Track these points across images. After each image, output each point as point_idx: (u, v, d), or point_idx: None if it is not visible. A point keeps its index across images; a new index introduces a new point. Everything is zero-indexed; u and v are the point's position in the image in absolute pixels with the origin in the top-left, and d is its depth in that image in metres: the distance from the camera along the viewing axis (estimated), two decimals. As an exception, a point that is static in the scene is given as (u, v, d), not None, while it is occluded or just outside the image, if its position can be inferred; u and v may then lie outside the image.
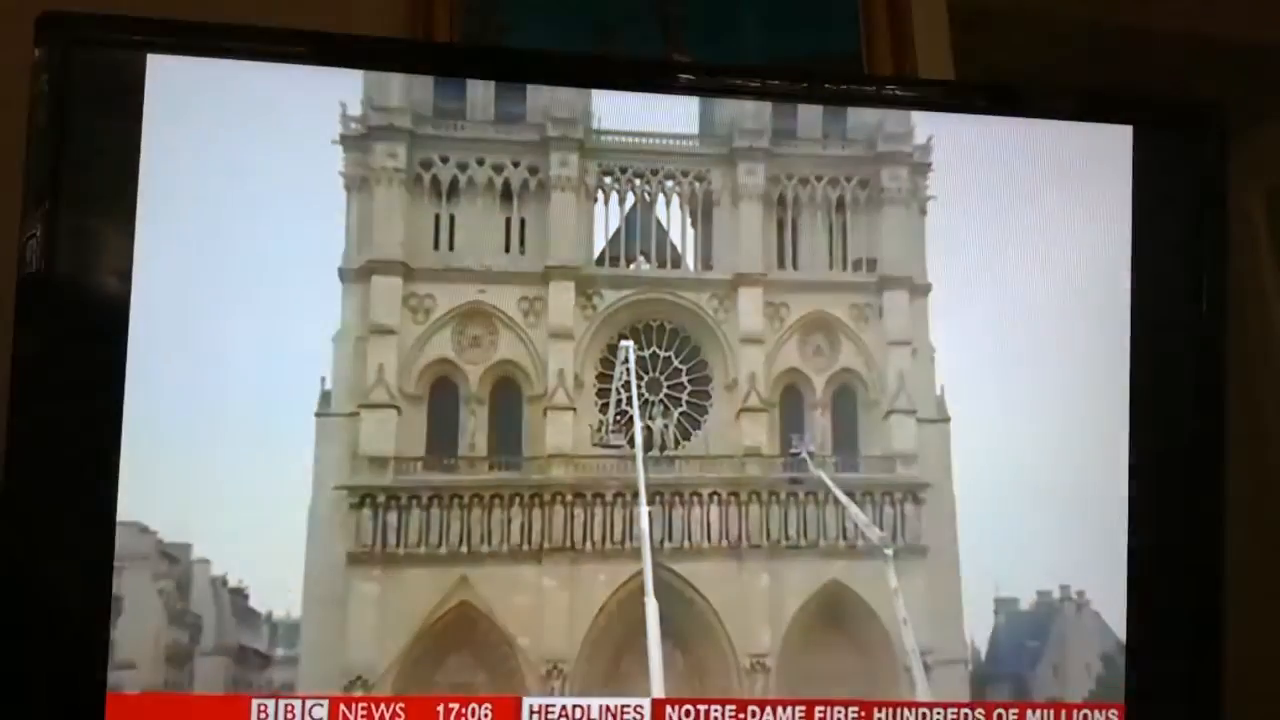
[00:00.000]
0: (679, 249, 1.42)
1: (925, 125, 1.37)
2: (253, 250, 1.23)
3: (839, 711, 1.26)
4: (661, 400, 1.43)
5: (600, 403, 1.39)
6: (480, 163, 1.39)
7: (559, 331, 1.38)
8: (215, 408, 1.21)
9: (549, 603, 1.29)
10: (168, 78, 1.21)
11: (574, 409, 1.38)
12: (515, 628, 1.28)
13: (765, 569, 1.36)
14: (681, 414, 1.43)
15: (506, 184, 1.40)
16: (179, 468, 1.19)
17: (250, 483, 1.20)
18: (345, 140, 1.30)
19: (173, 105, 1.21)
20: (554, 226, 1.39)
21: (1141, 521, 1.32)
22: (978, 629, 1.34)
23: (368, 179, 1.33)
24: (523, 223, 1.40)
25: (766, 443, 1.39)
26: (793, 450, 1.39)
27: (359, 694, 1.22)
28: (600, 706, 1.23)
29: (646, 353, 1.43)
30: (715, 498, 1.36)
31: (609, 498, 1.34)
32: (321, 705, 1.20)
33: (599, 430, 1.37)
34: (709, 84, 1.38)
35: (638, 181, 1.40)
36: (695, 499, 1.36)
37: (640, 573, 1.30)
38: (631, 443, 1.36)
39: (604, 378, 1.40)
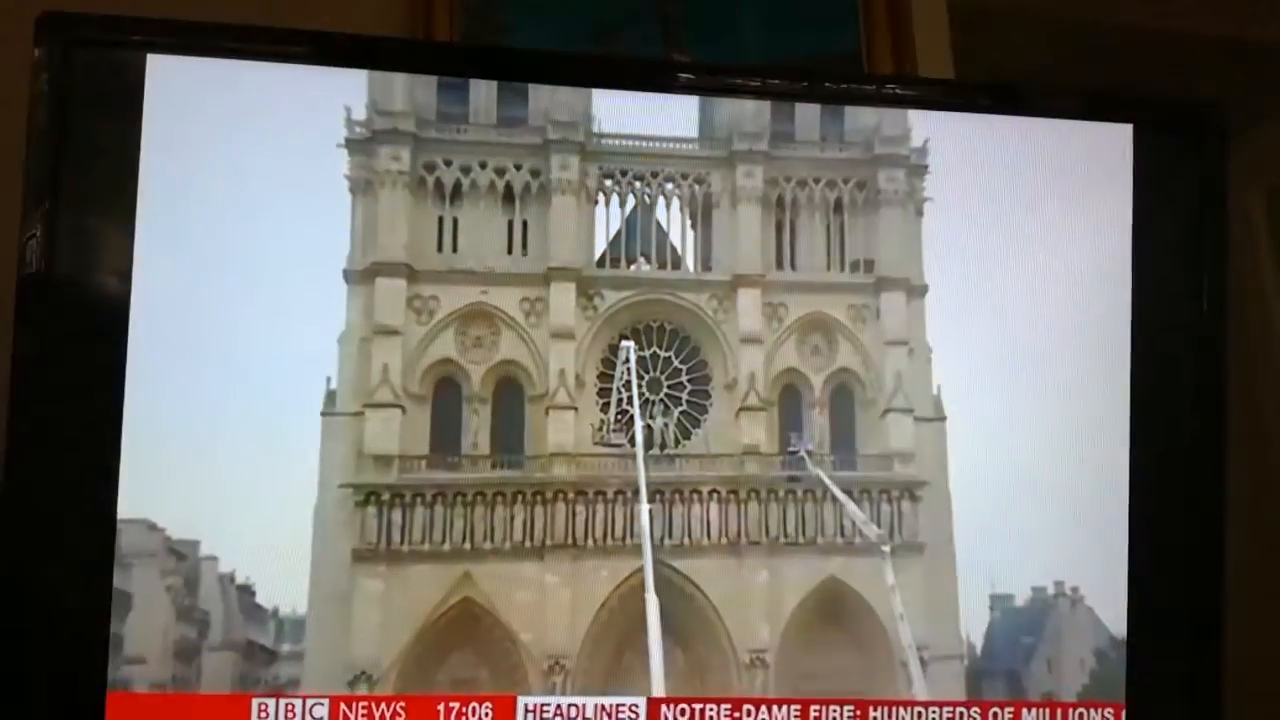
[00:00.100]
0: (679, 250, 1.42)
1: (922, 127, 1.37)
2: (255, 251, 1.23)
3: (835, 711, 1.27)
4: (662, 399, 1.44)
5: (601, 402, 1.40)
6: (483, 166, 1.40)
7: (560, 332, 1.39)
8: (222, 408, 1.22)
9: (551, 599, 1.30)
10: (168, 78, 1.20)
11: (575, 408, 1.38)
12: (518, 623, 1.28)
13: (764, 565, 1.36)
14: (681, 413, 1.44)
15: (509, 187, 1.41)
16: (188, 466, 1.20)
17: (257, 481, 1.21)
18: (350, 143, 1.31)
19: (173, 105, 1.20)
20: (555, 228, 1.40)
21: (1142, 521, 1.32)
22: (973, 625, 1.35)
23: (372, 182, 1.34)
24: (524, 225, 1.40)
25: (765, 441, 1.40)
26: (791, 449, 1.40)
27: (363, 690, 1.23)
28: (596, 706, 1.24)
29: (647, 353, 1.43)
30: (715, 495, 1.37)
31: (610, 495, 1.34)
32: (322, 704, 1.20)
33: (600, 429, 1.38)
34: (709, 84, 1.38)
35: (638, 184, 1.41)
36: (695, 497, 1.36)
37: (641, 569, 1.31)
38: (632, 441, 1.36)
39: (605, 377, 1.41)
